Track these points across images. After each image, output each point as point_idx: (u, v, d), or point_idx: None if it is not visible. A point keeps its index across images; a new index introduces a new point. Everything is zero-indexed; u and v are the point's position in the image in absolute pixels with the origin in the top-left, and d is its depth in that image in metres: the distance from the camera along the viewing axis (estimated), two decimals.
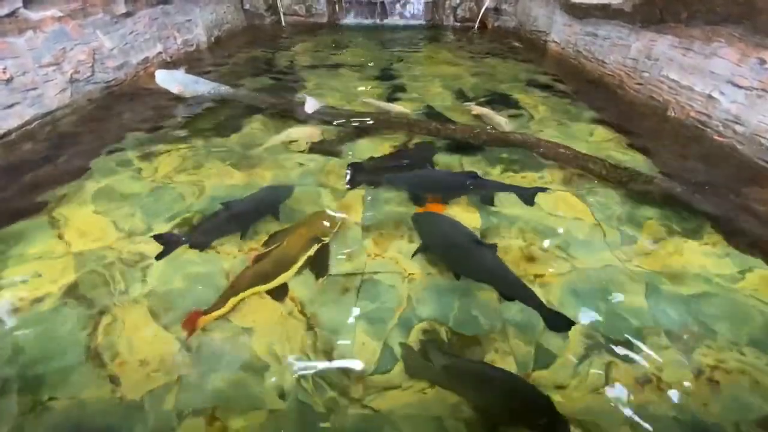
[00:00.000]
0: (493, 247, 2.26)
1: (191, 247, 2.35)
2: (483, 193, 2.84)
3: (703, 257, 2.39)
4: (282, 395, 1.65)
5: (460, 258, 2.19)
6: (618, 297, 2.12)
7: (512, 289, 1.97)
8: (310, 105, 4.00)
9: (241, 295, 2.02)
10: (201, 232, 2.44)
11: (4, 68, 3.33)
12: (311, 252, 2.28)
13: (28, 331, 1.87)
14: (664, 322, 1.98)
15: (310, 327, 1.93)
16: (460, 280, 2.17)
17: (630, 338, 1.91)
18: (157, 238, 2.34)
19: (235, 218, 2.49)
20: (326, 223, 2.46)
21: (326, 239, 2.39)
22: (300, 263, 2.21)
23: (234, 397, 1.65)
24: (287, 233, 2.35)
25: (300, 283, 2.16)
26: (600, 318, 2.00)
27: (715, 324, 1.97)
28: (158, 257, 2.26)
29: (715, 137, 3.53)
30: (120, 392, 1.65)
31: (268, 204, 2.65)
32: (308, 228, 2.38)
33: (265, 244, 2.38)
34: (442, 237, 2.35)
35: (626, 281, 2.21)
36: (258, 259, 2.17)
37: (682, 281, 2.22)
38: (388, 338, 1.89)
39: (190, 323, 1.89)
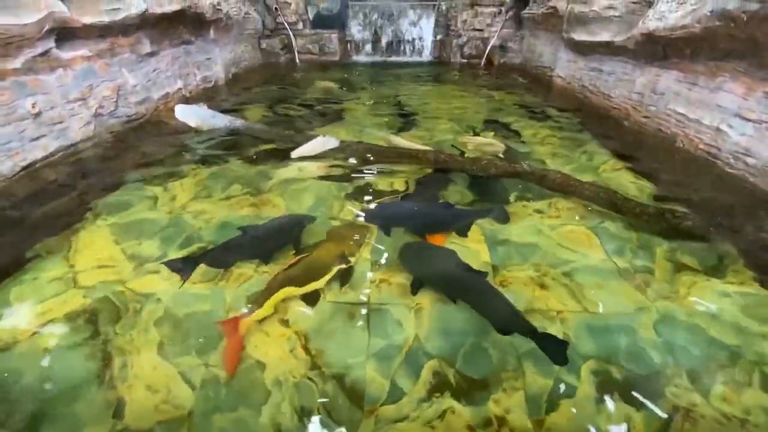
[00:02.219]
0: (484, 273, 2.28)
1: (207, 265, 2.39)
2: (457, 222, 2.84)
3: (720, 290, 2.32)
4: None
5: (452, 286, 2.21)
6: (635, 332, 2.05)
7: (503, 316, 1.95)
8: (321, 143, 4.07)
9: (279, 295, 2.11)
10: (218, 254, 2.48)
11: (34, 103, 3.51)
12: (340, 265, 2.38)
13: (36, 363, 1.87)
14: (683, 357, 1.91)
15: (315, 364, 1.90)
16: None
17: (650, 375, 1.83)
18: (169, 264, 2.36)
19: (255, 243, 2.55)
20: (354, 236, 2.61)
21: (354, 253, 2.49)
22: (332, 272, 2.31)
23: None
24: (317, 246, 2.50)
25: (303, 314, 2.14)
26: (617, 354, 1.94)
27: (733, 357, 1.89)
28: (182, 283, 2.29)
29: (727, 169, 3.52)
30: (125, 424, 1.61)
31: (289, 231, 2.70)
32: (337, 240, 2.54)
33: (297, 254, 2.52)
34: (431, 267, 2.36)
35: (642, 315, 2.15)
36: (291, 265, 2.29)
37: (700, 314, 2.15)
38: (395, 374, 1.84)
39: (232, 328, 1.94)
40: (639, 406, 1.70)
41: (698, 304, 2.23)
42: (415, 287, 2.28)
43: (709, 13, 3.38)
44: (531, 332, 1.88)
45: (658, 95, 4.43)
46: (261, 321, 2.06)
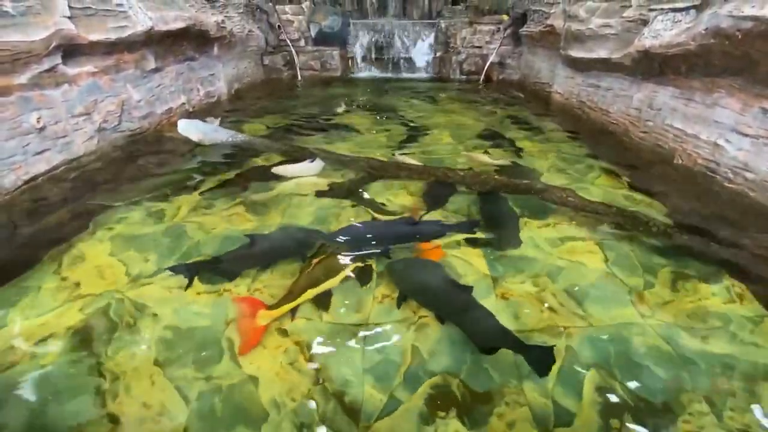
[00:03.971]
0: (469, 289, 2.28)
1: (214, 273, 2.44)
2: (422, 237, 2.84)
3: (723, 306, 2.30)
4: None
5: (438, 303, 2.21)
6: (637, 349, 2.03)
7: (486, 332, 1.97)
8: (305, 168, 4.05)
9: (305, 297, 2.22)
10: (224, 263, 2.52)
11: (39, 117, 3.55)
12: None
13: (33, 377, 1.85)
14: (686, 375, 1.88)
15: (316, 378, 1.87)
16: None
17: (653, 393, 1.80)
18: (173, 269, 2.45)
19: (260, 254, 2.59)
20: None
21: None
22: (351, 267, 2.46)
23: None
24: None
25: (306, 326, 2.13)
26: (618, 371, 1.91)
27: (738, 375, 1.86)
28: (187, 287, 2.35)
29: (726, 184, 3.53)
30: None
31: (296, 244, 2.72)
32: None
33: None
34: (418, 283, 2.37)
35: (644, 333, 2.13)
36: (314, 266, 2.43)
37: (701, 331, 2.13)
38: (395, 390, 1.81)
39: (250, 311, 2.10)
40: (642, 423, 1.67)
41: (699, 319, 2.21)
42: (400, 301, 2.27)
43: (703, 31, 3.45)
44: (516, 345, 1.88)
45: (655, 110, 4.48)
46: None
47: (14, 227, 2.99)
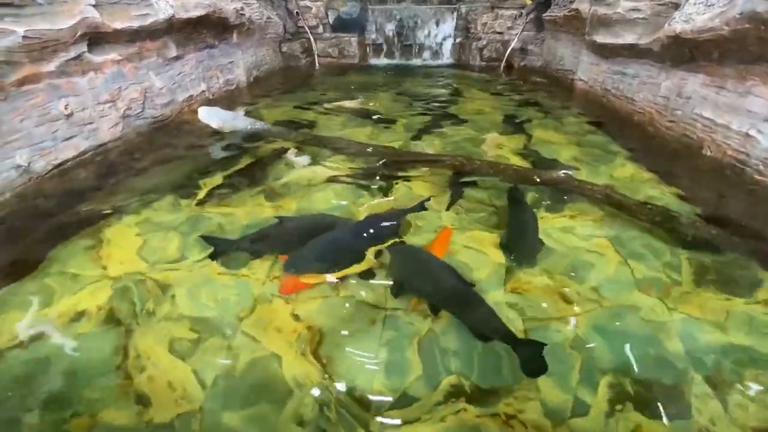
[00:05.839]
0: (468, 280, 2.27)
1: (243, 251, 2.56)
2: (379, 228, 2.78)
3: (742, 300, 2.24)
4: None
5: (435, 292, 2.20)
6: (654, 342, 2.00)
7: (483, 322, 1.97)
8: (294, 158, 4.12)
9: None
10: (253, 241, 2.63)
11: (66, 104, 3.67)
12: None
13: (62, 351, 1.96)
14: (703, 369, 1.85)
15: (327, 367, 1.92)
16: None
17: (666, 386, 1.78)
18: (206, 239, 2.61)
19: (290, 237, 2.68)
20: None
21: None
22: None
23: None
24: None
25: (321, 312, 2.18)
26: (635, 365, 1.89)
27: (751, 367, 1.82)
28: (212, 257, 2.50)
29: (756, 176, 3.39)
30: (147, 414, 1.68)
31: (325, 230, 2.75)
32: None
33: None
34: (415, 271, 2.36)
35: (660, 325, 2.09)
36: None
37: (722, 325, 2.08)
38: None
39: (291, 285, 2.28)
40: (654, 417, 1.66)
41: (723, 313, 2.15)
42: (396, 291, 2.27)
43: (738, 16, 3.27)
44: (510, 339, 1.87)
45: (684, 99, 4.31)
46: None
47: (44, 211, 3.13)
